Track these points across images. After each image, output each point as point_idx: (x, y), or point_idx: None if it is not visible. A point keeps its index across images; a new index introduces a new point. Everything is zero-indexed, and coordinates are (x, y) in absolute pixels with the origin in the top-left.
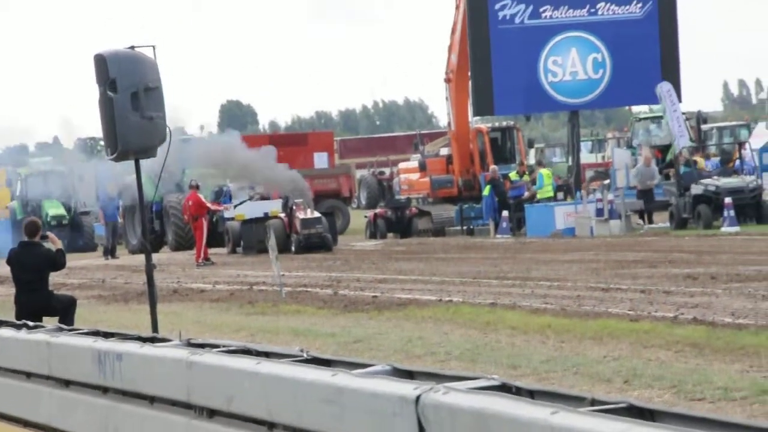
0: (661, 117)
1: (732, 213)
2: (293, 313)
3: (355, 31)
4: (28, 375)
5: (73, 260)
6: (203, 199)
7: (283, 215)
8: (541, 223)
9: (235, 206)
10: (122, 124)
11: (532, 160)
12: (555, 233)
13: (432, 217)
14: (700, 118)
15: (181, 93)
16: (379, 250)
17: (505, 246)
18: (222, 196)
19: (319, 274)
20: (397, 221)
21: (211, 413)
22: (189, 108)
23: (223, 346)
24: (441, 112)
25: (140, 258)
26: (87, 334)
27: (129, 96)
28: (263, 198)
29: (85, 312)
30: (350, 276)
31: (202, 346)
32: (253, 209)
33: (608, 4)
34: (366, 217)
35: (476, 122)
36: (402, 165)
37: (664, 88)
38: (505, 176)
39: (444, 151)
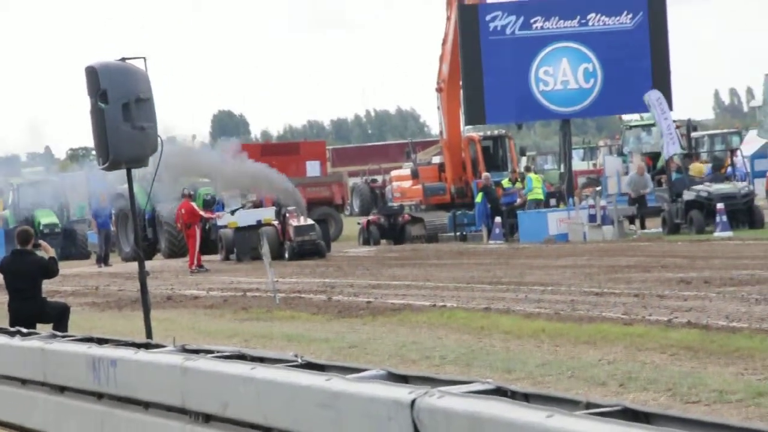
0: (651, 125)
1: (724, 218)
2: (287, 318)
3: (346, 40)
4: (23, 381)
5: (66, 268)
6: (196, 208)
7: (276, 223)
8: (533, 229)
9: (232, 212)
10: (114, 135)
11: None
12: (548, 239)
13: (425, 224)
14: (690, 126)
15: (173, 103)
16: (372, 257)
17: (498, 252)
18: (214, 204)
19: (312, 280)
20: (390, 228)
21: (207, 418)
22: (181, 118)
23: (218, 352)
24: (433, 121)
25: (133, 265)
26: (81, 340)
27: (120, 107)
28: (256, 206)
29: (79, 319)
30: (344, 282)
31: (196, 351)
32: (246, 217)
33: (599, 15)
34: (359, 224)
35: (468, 131)
36: (394, 173)
37: (653, 96)
38: (498, 184)
39: (436, 160)
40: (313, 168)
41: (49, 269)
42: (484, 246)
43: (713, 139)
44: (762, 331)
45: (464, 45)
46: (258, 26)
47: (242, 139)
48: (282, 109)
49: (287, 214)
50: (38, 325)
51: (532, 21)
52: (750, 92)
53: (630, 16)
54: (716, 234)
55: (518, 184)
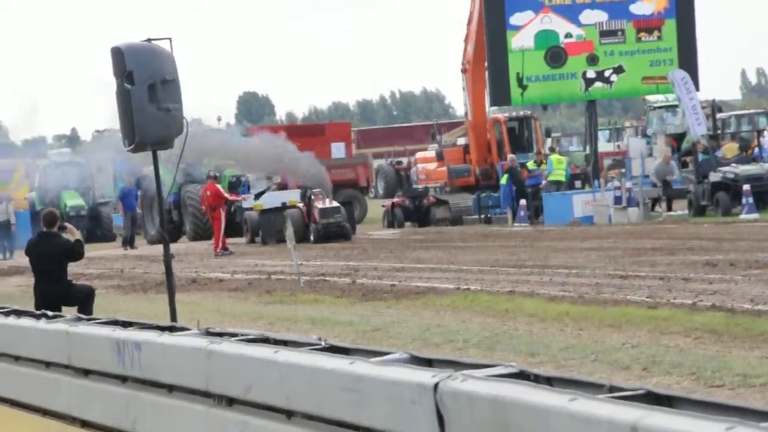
0: (676, 106)
1: (751, 200)
2: (311, 302)
3: (372, 21)
4: (48, 364)
5: (91, 250)
6: (221, 190)
7: (301, 205)
8: (559, 211)
9: (256, 196)
10: (139, 116)
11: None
12: (573, 221)
13: (450, 206)
14: (715, 106)
15: (199, 85)
16: (396, 239)
17: (523, 234)
18: (239, 186)
19: (337, 263)
20: (415, 210)
21: (230, 401)
22: (206, 99)
23: (242, 335)
24: (458, 102)
25: (158, 248)
26: (106, 323)
27: (146, 88)
28: (281, 188)
29: (104, 302)
30: (368, 265)
31: (220, 335)
32: (271, 199)
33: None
34: (383, 206)
35: (493, 112)
36: (419, 155)
37: (677, 75)
38: (523, 165)
39: (461, 141)
40: (338, 150)
41: (75, 252)
42: (509, 228)
43: (740, 120)
44: None
45: (489, 25)
46: (283, 7)
47: (267, 121)
48: (307, 90)
49: (312, 197)
50: (63, 308)
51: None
52: None
53: None
54: (742, 216)
55: (543, 166)
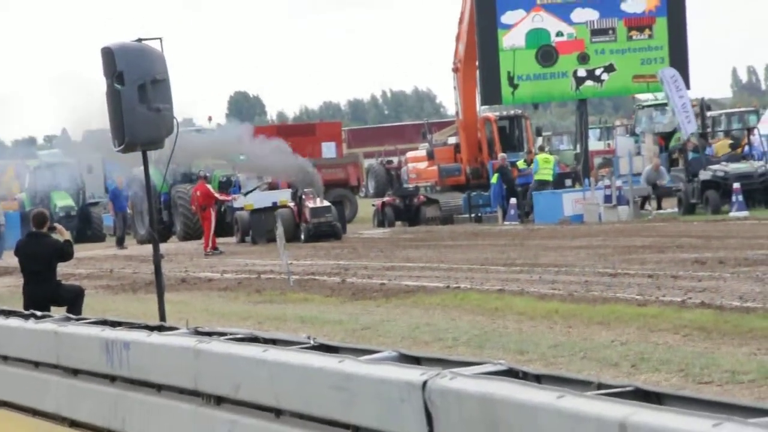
0: (665, 104)
1: (740, 198)
2: (301, 301)
3: (362, 20)
4: (37, 364)
5: (81, 251)
6: (211, 190)
7: (292, 204)
8: (549, 210)
9: (245, 194)
10: (129, 116)
11: None
12: (563, 220)
13: (440, 205)
14: (704, 105)
15: (189, 85)
16: (387, 238)
17: (513, 233)
18: (230, 186)
19: (326, 262)
20: (405, 209)
21: (219, 400)
22: (197, 100)
23: (231, 334)
24: (449, 102)
25: (148, 248)
26: (95, 323)
27: (136, 88)
28: (272, 187)
29: (93, 302)
30: (358, 264)
31: (209, 334)
32: (262, 199)
33: None
34: (374, 205)
35: (484, 111)
36: (410, 154)
37: (667, 73)
38: (513, 164)
39: (452, 140)
40: (328, 149)
41: (64, 252)
42: (499, 227)
43: (730, 118)
44: None
45: (480, 24)
46: (275, 7)
47: (258, 121)
48: (298, 90)
49: (303, 196)
50: (52, 308)
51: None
52: None
53: None
54: (732, 214)
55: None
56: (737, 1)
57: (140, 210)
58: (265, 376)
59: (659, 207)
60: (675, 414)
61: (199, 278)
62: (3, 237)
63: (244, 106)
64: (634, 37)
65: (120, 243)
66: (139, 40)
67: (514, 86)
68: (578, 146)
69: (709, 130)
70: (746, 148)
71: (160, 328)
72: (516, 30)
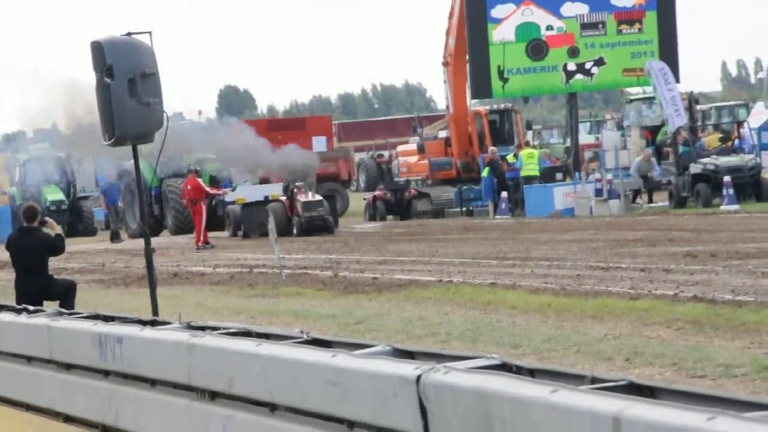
0: (653, 98)
1: (731, 191)
2: (293, 295)
3: (353, 14)
4: (29, 359)
5: (72, 245)
6: (202, 184)
7: (283, 198)
8: (540, 203)
9: (233, 188)
10: (119, 110)
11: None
12: (554, 213)
13: (431, 199)
14: (693, 98)
15: (179, 79)
16: (378, 232)
17: (504, 226)
18: (222, 180)
19: (318, 256)
20: (397, 203)
21: (213, 395)
22: (187, 94)
23: (224, 329)
24: (439, 96)
25: (140, 242)
26: (87, 317)
27: (126, 82)
28: (264, 181)
29: (86, 296)
30: (350, 258)
31: (202, 328)
32: (253, 192)
33: None
34: (365, 199)
35: (474, 105)
36: (401, 148)
37: (655, 66)
38: (504, 158)
39: (443, 134)
40: (319, 143)
41: (56, 246)
42: (491, 221)
43: (720, 112)
44: None
45: (470, 17)
46: (265, 1)
47: (248, 115)
48: (288, 84)
49: (295, 190)
50: (45, 303)
51: None
52: (758, 63)
53: None
54: (723, 207)
55: None
56: None
57: (131, 203)
58: (259, 370)
59: (650, 200)
60: (669, 408)
61: (192, 272)
62: None
63: (234, 100)
64: (624, 31)
65: (115, 237)
66: (129, 34)
67: (504, 80)
68: (568, 140)
69: (699, 123)
70: (736, 141)
71: (152, 323)
72: (506, 24)
